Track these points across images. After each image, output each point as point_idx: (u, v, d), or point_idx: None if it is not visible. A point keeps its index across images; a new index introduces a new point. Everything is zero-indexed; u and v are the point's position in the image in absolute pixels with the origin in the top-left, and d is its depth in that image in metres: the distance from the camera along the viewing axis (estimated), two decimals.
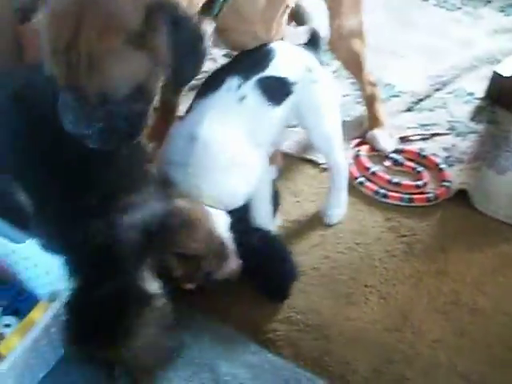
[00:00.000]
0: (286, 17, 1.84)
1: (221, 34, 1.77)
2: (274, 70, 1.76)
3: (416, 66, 2.64)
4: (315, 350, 1.70)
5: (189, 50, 1.41)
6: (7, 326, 1.62)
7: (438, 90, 2.53)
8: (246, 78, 1.73)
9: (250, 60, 1.79)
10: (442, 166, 2.19)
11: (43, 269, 1.63)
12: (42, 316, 1.53)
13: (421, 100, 2.47)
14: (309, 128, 1.92)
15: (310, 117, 1.88)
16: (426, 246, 1.97)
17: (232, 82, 1.73)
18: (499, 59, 2.62)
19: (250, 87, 1.73)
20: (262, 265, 1.76)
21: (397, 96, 2.48)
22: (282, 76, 1.77)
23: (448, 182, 2.13)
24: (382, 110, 2.33)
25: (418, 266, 1.91)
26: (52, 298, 1.59)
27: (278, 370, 1.65)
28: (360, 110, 2.41)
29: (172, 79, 1.44)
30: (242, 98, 1.72)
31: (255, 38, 1.79)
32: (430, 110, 2.43)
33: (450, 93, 2.52)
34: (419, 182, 2.12)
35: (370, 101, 2.31)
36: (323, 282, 1.85)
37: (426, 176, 2.15)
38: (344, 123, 2.00)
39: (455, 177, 2.16)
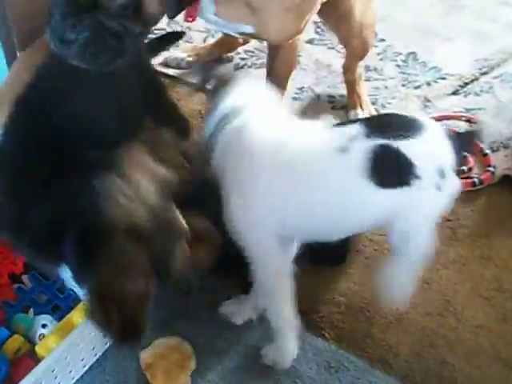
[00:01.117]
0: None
1: (250, 8, 1.69)
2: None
3: (463, 49, 2.60)
4: (357, 333, 1.72)
5: None
6: (44, 326, 1.62)
7: (484, 73, 2.49)
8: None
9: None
10: (487, 151, 2.17)
11: None
12: (82, 319, 1.52)
13: (467, 83, 2.44)
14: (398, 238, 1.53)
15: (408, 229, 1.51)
16: (470, 232, 1.97)
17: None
18: None
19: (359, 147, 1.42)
20: None
21: (443, 79, 2.46)
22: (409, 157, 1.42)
23: (493, 167, 2.11)
24: (365, 88, 2.32)
25: (462, 251, 1.91)
26: None
27: (319, 351, 1.67)
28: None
29: None
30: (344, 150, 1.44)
31: (283, 29, 1.77)
32: (476, 94, 2.40)
33: (496, 77, 2.48)
34: (464, 167, 2.10)
35: (357, 81, 2.29)
36: (366, 264, 1.85)
37: (471, 161, 2.13)
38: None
39: (500, 162, 2.14)
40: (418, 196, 1.43)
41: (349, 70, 2.26)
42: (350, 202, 1.45)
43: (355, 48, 2.14)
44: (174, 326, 1.67)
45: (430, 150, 1.44)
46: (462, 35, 2.67)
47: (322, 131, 1.50)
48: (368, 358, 1.67)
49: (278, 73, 1.93)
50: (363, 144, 1.41)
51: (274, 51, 1.90)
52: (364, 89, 2.32)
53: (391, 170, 1.43)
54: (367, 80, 2.37)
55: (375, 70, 2.47)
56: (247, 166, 1.46)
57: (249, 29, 1.73)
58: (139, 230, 1.30)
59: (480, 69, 2.51)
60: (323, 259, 1.81)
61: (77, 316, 1.56)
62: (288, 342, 1.60)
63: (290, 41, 1.82)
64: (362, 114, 2.26)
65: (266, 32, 1.76)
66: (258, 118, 1.51)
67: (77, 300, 1.68)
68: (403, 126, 1.45)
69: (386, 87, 2.40)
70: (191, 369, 1.61)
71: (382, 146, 1.41)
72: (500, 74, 2.50)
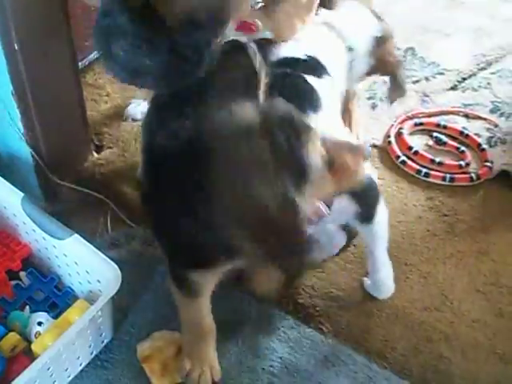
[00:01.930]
0: None
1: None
2: None
3: (461, 44, 2.62)
4: (354, 327, 1.71)
5: None
6: (40, 323, 1.59)
7: (482, 69, 2.50)
8: None
9: None
10: (484, 145, 2.18)
11: (84, 267, 1.63)
12: (79, 317, 1.50)
13: (465, 79, 2.45)
14: None
15: None
16: (468, 226, 1.97)
17: None
18: None
19: None
20: None
21: (441, 74, 2.47)
22: None
23: (490, 162, 2.11)
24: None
25: (459, 246, 1.91)
26: (90, 298, 1.60)
27: (317, 345, 1.67)
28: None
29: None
30: None
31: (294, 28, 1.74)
32: (474, 90, 2.41)
33: (494, 73, 2.49)
34: (462, 162, 2.11)
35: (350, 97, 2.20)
36: (363, 258, 1.84)
37: (469, 156, 2.14)
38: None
39: (498, 157, 2.14)
40: None
41: None
42: None
43: None
44: (173, 320, 1.67)
45: None
46: (460, 31, 2.69)
47: None
48: (365, 352, 1.66)
49: None
50: None
51: None
52: (356, 108, 2.22)
53: None
54: None
55: None
56: None
57: (267, 34, 1.72)
58: None
59: (478, 64, 2.52)
60: None
61: (73, 314, 1.55)
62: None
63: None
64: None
65: (279, 32, 1.76)
66: None
67: (74, 297, 1.68)
68: None
69: (385, 82, 2.39)
70: None
71: None
72: (498, 69, 2.51)
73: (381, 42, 1.82)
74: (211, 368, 1.58)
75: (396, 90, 1.95)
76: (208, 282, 1.46)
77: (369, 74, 1.91)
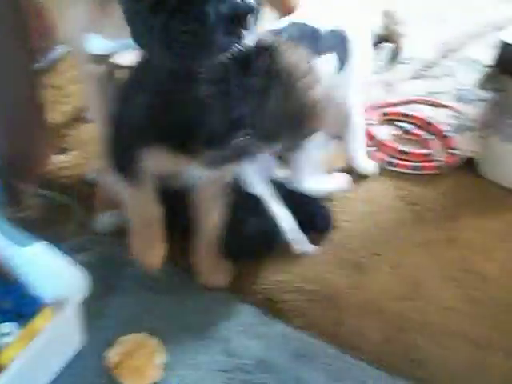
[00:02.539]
0: None
1: None
2: None
3: (424, 33, 2.62)
4: (327, 320, 1.71)
5: None
6: (6, 334, 1.55)
7: (444, 57, 2.52)
8: None
9: None
10: (448, 133, 2.19)
11: (50, 273, 1.60)
12: (47, 324, 1.48)
13: (428, 67, 2.46)
14: None
15: None
16: (436, 214, 1.98)
17: None
18: (506, 26, 2.59)
19: None
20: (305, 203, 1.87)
21: (404, 63, 2.47)
22: None
23: (456, 149, 2.13)
24: None
25: (429, 234, 1.92)
26: (57, 303, 1.57)
27: (289, 340, 1.66)
28: None
29: None
30: None
31: None
32: (437, 78, 2.42)
33: (456, 60, 2.51)
34: (428, 151, 2.12)
35: None
36: (334, 251, 1.85)
37: (434, 144, 2.15)
38: None
39: (463, 145, 2.16)
40: None
41: None
42: None
43: None
44: (141, 322, 1.65)
45: None
46: (422, 20, 2.69)
47: None
48: (339, 345, 1.66)
49: None
50: None
51: None
52: None
53: None
54: None
55: None
56: None
57: None
58: None
59: (440, 53, 2.53)
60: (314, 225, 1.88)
61: (41, 322, 1.51)
62: None
63: None
64: None
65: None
66: None
67: (42, 305, 1.63)
68: None
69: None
70: (161, 362, 1.60)
71: None
72: (460, 57, 2.53)
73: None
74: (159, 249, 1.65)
75: (395, 57, 2.07)
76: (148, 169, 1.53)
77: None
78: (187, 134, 1.39)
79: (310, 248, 1.84)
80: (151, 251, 1.67)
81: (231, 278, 1.75)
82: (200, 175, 1.54)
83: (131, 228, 1.65)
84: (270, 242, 1.80)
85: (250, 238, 1.74)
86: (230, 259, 1.76)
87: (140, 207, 1.62)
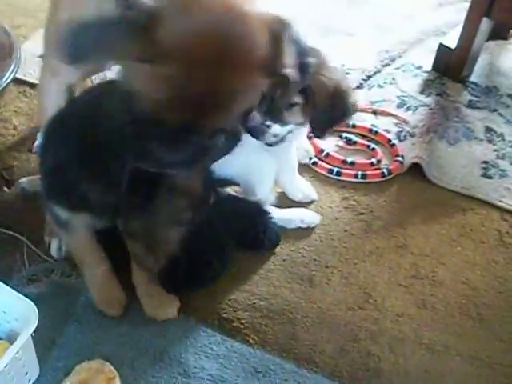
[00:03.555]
0: None
1: None
2: None
3: (364, 42, 2.65)
4: (281, 335, 1.72)
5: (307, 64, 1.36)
6: None
7: (386, 65, 2.54)
8: None
9: None
10: (394, 141, 2.21)
11: (0, 308, 1.59)
12: (0, 359, 1.45)
13: (370, 76, 2.48)
14: None
15: None
16: (384, 222, 2.00)
17: None
18: (445, 31, 2.63)
19: None
20: (252, 220, 1.87)
21: (347, 73, 2.48)
22: None
23: (401, 156, 2.14)
24: None
25: (378, 243, 1.94)
26: (12, 337, 1.55)
27: (245, 358, 1.67)
28: None
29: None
30: None
31: None
32: (380, 86, 2.44)
33: (398, 68, 2.53)
34: (373, 160, 2.13)
35: None
36: (284, 266, 1.86)
37: (380, 153, 2.17)
38: None
39: (408, 151, 2.18)
40: None
41: None
42: None
43: None
44: (96, 349, 1.65)
45: None
46: (362, 29, 2.72)
47: None
48: (294, 359, 1.67)
49: None
50: None
51: None
52: None
53: None
54: None
55: None
56: None
57: None
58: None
59: (382, 61, 2.56)
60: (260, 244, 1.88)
61: None
62: None
63: None
64: None
65: None
66: None
67: None
68: None
69: None
70: None
71: None
72: (401, 64, 2.55)
73: None
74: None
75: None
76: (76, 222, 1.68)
77: None
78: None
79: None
80: (112, 302, 1.74)
81: (179, 309, 1.74)
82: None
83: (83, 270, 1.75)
84: (203, 276, 1.80)
85: (184, 274, 1.74)
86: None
87: (76, 249, 1.76)
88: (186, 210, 1.60)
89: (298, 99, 1.67)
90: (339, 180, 2.10)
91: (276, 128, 1.71)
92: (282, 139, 1.76)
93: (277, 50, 1.26)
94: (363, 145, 2.20)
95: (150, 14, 1.18)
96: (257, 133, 1.69)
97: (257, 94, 1.32)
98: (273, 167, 1.89)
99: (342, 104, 1.72)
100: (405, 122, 2.30)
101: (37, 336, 1.52)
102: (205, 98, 1.23)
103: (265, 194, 1.92)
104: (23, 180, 2.01)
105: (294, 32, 1.30)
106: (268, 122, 1.69)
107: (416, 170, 2.13)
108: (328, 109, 1.69)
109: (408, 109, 2.35)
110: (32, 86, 2.31)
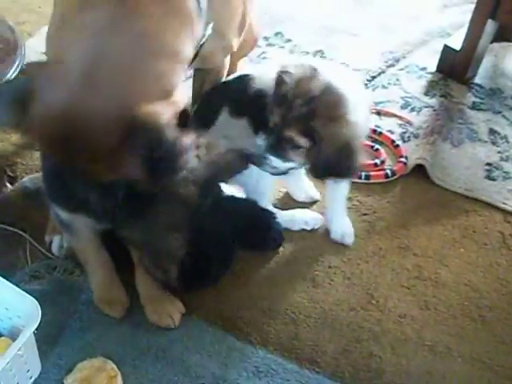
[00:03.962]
0: None
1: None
2: None
3: (368, 43, 2.65)
4: (283, 335, 1.72)
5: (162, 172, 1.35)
6: None
7: (390, 66, 2.54)
8: None
9: None
10: (398, 142, 2.20)
11: (2, 304, 1.58)
12: (2, 355, 1.46)
13: (374, 77, 2.48)
14: None
15: None
16: (387, 223, 2.00)
17: None
18: (450, 33, 2.63)
19: None
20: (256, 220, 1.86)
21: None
22: None
23: (405, 157, 2.14)
24: None
25: (381, 244, 1.93)
26: (14, 334, 1.55)
27: (247, 357, 1.67)
28: None
29: None
30: None
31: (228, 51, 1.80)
32: (384, 87, 2.44)
33: (402, 69, 2.52)
34: (377, 160, 2.13)
35: None
36: (287, 265, 1.86)
37: (384, 153, 2.16)
38: None
39: (412, 152, 2.17)
40: None
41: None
42: None
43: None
44: (98, 347, 1.65)
45: None
46: (367, 30, 2.72)
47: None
48: (296, 359, 1.67)
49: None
50: None
51: (201, 78, 1.92)
52: None
53: None
54: None
55: None
56: None
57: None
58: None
59: (386, 62, 2.55)
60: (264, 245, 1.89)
61: None
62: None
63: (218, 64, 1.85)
64: None
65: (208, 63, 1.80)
66: None
67: None
68: None
69: None
70: None
71: None
72: (405, 65, 2.55)
73: None
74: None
75: None
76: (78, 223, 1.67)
77: None
78: None
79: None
80: (114, 303, 1.75)
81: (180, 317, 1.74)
82: None
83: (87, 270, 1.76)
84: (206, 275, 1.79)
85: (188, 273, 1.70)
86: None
87: (81, 251, 1.76)
88: (183, 217, 1.59)
89: (303, 142, 1.64)
90: None
91: (276, 162, 1.70)
92: (283, 172, 1.76)
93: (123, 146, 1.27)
94: (367, 145, 2.19)
95: (27, 87, 1.26)
96: (254, 161, 1.69)
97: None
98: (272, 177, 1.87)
99: (348, 161, 1.67)
100: (409, 123, 2.29)
101: (39, 333, 1.52)
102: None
103: (265, 202, 1.92)
104: (25, 179, 2.01)
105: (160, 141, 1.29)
106: (267, 155, 1.69)
107: (419, 171, 2.12)
108: (332, 160, 1.65)
109: (412, 110, 2.35)
110: None
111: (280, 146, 1.67)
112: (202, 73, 1.91)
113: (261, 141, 1.73)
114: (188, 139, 1.35)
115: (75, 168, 1.33)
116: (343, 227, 1.94)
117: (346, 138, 1.63)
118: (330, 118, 1.60)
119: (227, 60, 1.89)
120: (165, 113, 1.29)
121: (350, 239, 1.93)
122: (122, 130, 1.25)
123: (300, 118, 1.61)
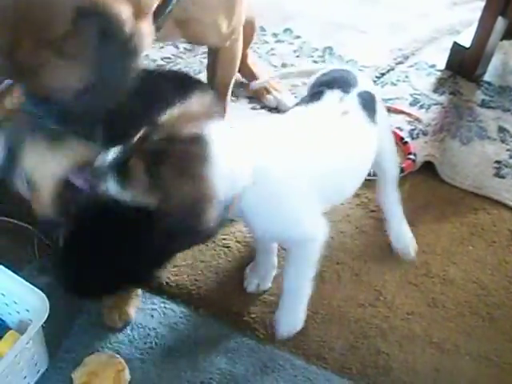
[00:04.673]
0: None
1: (180, 26, 1.63)
2: (364, 85, 1.63)
3: (377, 40, 2.64)
4: None
5: (114, 66, 1.28)
6: None
7: (399, 63, 2.54)
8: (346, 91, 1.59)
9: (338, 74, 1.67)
10: (407, 139, 2.20)
11: (11, 298, 1.59)
12: (10, 349, 1.47)
13: (383, 74, 2.48)
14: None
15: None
16: None
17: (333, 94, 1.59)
18: (459, 30, 2.62)
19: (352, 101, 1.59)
20: None
21: (360, 70, 2.47)
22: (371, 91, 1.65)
23: (413, 154, 2.14)
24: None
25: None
26: (22, 328, 1.55)
27: (254, 352, 1.67)
28: None
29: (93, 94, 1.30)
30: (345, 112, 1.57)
31: (217, 30, 1.70)
32: (393, 84, 2.44)
33: (411, 66, 2.52)
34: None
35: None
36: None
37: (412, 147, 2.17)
38: None
39: (420, 149, 2.17)
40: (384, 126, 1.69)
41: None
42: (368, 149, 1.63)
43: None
44: (105, 341, 1.66)
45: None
46: (376, 27, 2.71)
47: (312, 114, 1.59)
48: (303, 355, 1.67)
49: (219, 80, 1.93)
50: (353, 99, 1.58)
51: (214, 58, 1.91)
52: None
53: (371, 109, 1.61)
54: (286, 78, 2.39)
55: (293, 67, 2.48)
56: None
57: (182, 40, 1.80)
58: None
59: (395, 59, 2.55)
60: None
61: (4, 346, 1.51)
62: None
63: (228, 44, 1.80)
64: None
65: (200, 39, 1.77)
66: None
67: (6, 329, 1.62)
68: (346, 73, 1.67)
69: (305, 84, 2.40)
70: (126, 381, 1.60)
71: (361, 93, 1.60)
72: (415, 62, 2.55)
73: None
74: None
75: None
76: None
77: None
78: None
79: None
80: (115, 314, 1.73)
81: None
82: None
83: None
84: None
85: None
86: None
87: None
88: None
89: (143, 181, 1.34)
90: None
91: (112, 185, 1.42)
92: None
93: (75, 32, 1.20)
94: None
95: None
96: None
97: (69, 75, 1.27)
98: None
99: (194, 222, 1.33)
100: (418, 120, 2.29)
101: (47, 327, 1.52)
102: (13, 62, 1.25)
103: None
104: None
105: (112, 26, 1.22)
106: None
107: (428, 168, 2.12)
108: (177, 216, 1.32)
109: (421, 107, 2.34)
110: None
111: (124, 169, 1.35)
112: (215, 56, 1.90)
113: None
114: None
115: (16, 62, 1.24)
116: (406, 239, 1.89)
117: (194, 200, 1.31)
118: (181, 172, 1.30)
119: (239, 45, 1.87)
120: (125, 6, 1.22)
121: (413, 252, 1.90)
122: (75, 12, 1.19)
123: (151, 154, 1.32)
